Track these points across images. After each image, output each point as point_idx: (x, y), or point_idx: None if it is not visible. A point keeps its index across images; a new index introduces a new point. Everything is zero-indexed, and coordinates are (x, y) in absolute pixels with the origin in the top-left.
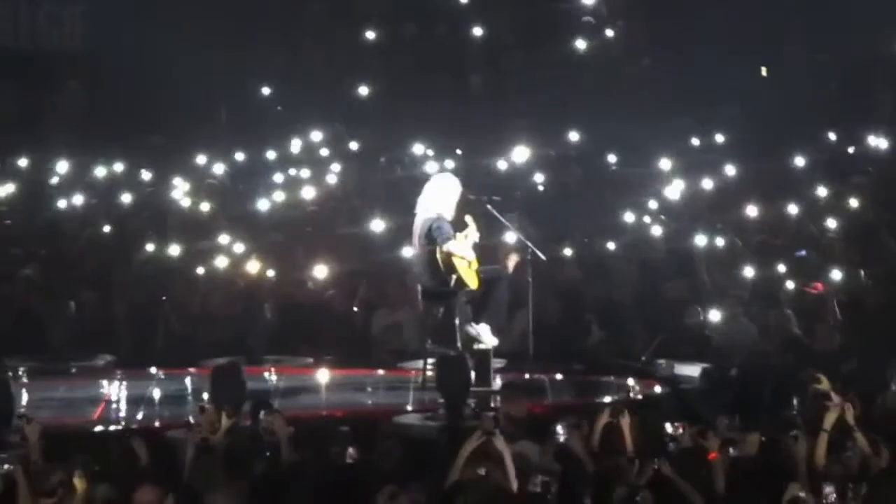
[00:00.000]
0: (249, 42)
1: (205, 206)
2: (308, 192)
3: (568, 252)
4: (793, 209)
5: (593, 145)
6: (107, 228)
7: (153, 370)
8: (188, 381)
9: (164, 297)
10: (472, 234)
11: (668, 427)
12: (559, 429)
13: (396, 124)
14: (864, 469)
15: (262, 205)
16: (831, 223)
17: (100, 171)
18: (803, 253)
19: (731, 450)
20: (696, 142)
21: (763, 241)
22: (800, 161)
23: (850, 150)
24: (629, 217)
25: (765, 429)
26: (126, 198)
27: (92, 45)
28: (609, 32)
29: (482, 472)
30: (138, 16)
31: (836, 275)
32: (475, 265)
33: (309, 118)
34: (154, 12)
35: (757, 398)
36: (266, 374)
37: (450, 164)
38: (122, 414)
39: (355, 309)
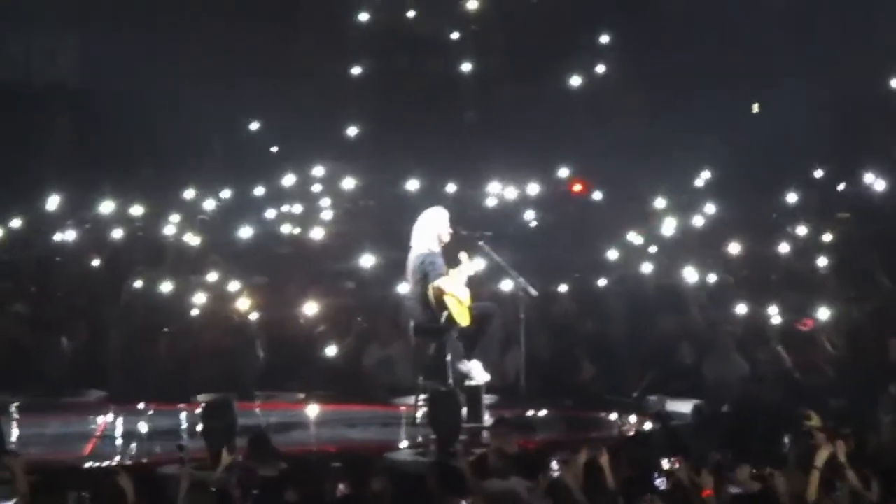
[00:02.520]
0: (241, 77)
1: (196, 241)
2: (300, 228)
3: (562, 288)
4: (784, 246)
5: (585, 181)
6: (98, 263)
7: (145, 406)
8: (180, 416)
9: (165, 329)
10: (466, 269)
11: (665, 462)
12: (553, 464)
13: (388, 159)
14: None
15: (254, 240)
16: (823, 260)
17: (92, 206)
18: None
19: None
20: (687, 178)
21: (754, 277)
22: (792, 198)
23: (841, 187)
24: (620, 253)
25: (757, 465)
26: (117, 232)
27: (85, 80)
28: (601, 68)
29: None
30: (131, 51)
31: (826, 312)
32: (467, 302)
33: (301, 153)
34: (147, 47)
35: (749, 434)
36: (258, 410)
37: (441, 198)
38: (113, 450)
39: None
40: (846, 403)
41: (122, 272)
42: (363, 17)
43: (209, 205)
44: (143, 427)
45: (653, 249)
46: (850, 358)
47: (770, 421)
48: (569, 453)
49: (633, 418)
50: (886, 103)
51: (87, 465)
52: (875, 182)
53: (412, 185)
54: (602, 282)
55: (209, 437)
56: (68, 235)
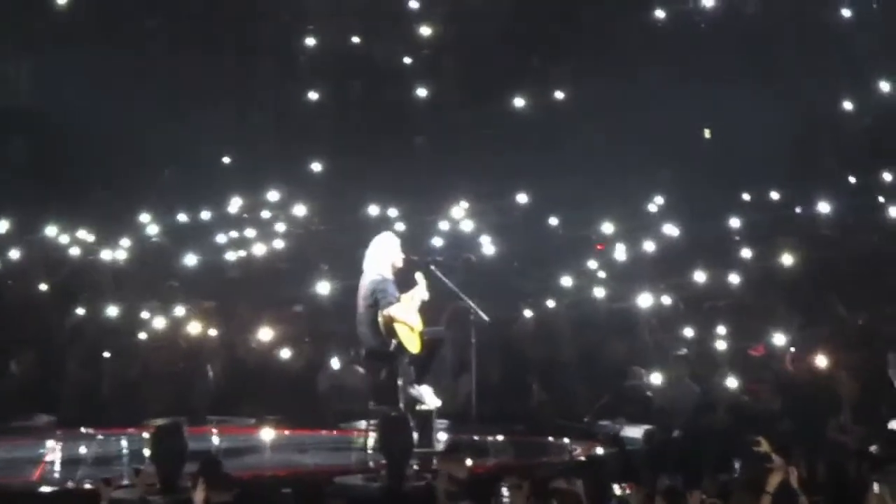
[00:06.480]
0: (194, 102)
1: (148, 266)
2: (253, 253)
3: (514, 313)
4: (734, 272)
5: (537, 206)
6: (47, 286)
7: (94, 430)
8: (129, 441)
9: (106, 354)
10: (419, 294)
11: (617, 488)
12: (504, 490)
13: (342, 185)
14: None
15: (205, 264)
16: (773, 286)
17: (41, 229)
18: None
19: None
20: (639, 203)
21: (705, 302)
22: (743, 223)
23: (797, 210)
24: (571, 278)
25: (707, 490)
26: (68, 256)
27: (37, 103)
28: (555, 94)
29: None
30: (85, 74)
31: (780, 338)
32: (419, 328)
33: (255, 179)
34: (101, 71)
35: (700, 460)
36: (209, 435)
37: (394, 224)
38: (62, 474)
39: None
40: (795, 429)
41: (71, 295)
42: (316, 43)
43: (161, 228)
44: (92, 451)
45: (604, 274)
46: (801, 384)
47: (721, 446)
48: (519, 479)
49: (583, 443)
50: (838, 129)
51: (36, 490)
52: (825, 207)
53: (365, 210)
54: (553, 306)
55: (159, 462)
56: (17, 258)
